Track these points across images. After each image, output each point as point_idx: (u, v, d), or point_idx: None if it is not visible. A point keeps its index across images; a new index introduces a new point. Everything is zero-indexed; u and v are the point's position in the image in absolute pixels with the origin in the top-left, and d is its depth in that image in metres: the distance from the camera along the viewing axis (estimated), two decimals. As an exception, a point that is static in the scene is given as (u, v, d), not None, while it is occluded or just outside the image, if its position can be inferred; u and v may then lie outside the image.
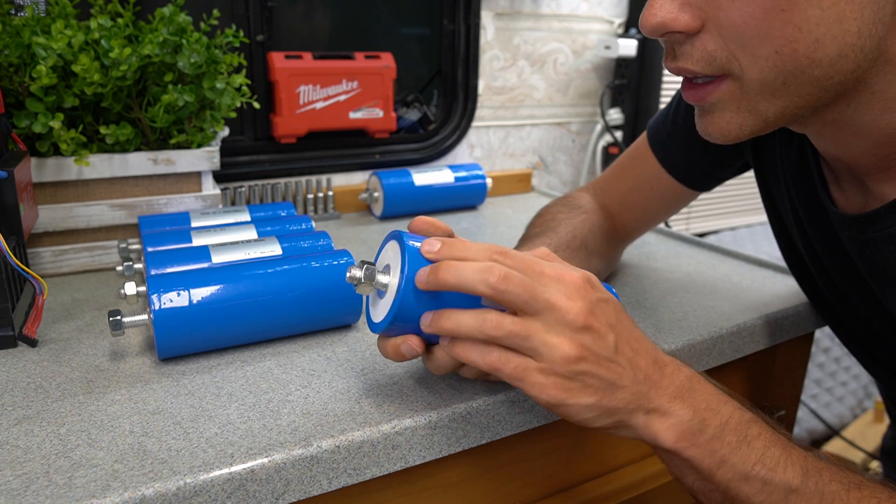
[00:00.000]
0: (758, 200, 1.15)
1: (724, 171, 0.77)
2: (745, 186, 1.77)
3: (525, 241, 0.74)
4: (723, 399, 0.49)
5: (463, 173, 1.18)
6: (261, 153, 1.14)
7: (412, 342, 0.50)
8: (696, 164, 0.75)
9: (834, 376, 2.07)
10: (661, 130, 0.77)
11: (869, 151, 0.52)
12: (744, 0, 0.44)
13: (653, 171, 0.78)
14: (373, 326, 0.51)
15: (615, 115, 1.43)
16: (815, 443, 1.87)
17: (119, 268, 0.70)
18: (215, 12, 0.85)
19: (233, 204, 1.06)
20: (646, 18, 0.48)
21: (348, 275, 0.49)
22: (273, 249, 0.70)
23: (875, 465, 1.73)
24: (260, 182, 1.11)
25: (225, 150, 1.06)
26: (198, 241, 0.73)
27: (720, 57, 0.47)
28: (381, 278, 0.49)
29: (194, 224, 0.80)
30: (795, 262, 0.74)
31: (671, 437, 0.47)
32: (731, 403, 0.49)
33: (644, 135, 0.80)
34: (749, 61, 0.46)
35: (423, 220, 0.52)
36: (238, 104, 0.87)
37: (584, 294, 0.46)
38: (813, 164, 0.62)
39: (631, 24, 1.43)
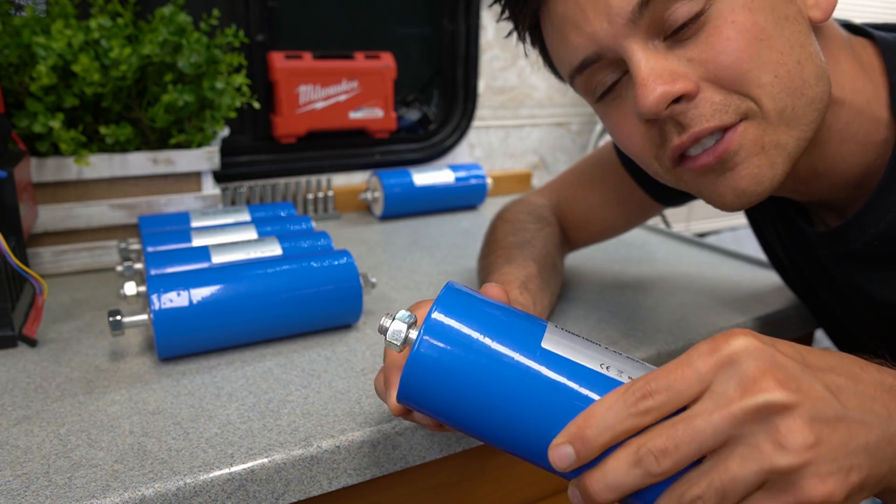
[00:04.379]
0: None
1: None
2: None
3: (500, 248, 0.69)
4: None
5: (463, 173, 1.18)
6: (261, 153, 1.14)
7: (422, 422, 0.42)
8: None
9: (834, 376, 2.07)
10: None
11: (841, 188, 0.55)
12: (725, 43, 0.45)
13: (625, 188, 0.75)
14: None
15: (615, 115, 1.43)
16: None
17: (119, 268, 0.70)
18: (215, 12, 0.85)
19: (233, 204, 1.06)
20: (644, 96, 0.46)
21: (380, 322, 0.40)
22: (273, 249, 0.70)
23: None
24: (260, 182, 1.11)
25: (225, 150, 1.06)
26: (198, 242, 0.73)
27: (732, 102, 0.46)
28: (413, 335, 0.39)
29: (194, 224, 0.80)
30: (790, 286, 0.76)
31: None
32: None
33: (611, 147, 0.77)
34: (759, 92, 0.46)
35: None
36: (238, 104, 0.87)
37: (762, 366, 0.32)
38: (788, 201, 0.63)
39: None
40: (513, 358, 0.36)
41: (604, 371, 0.36)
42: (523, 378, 0.36)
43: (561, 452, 0.34)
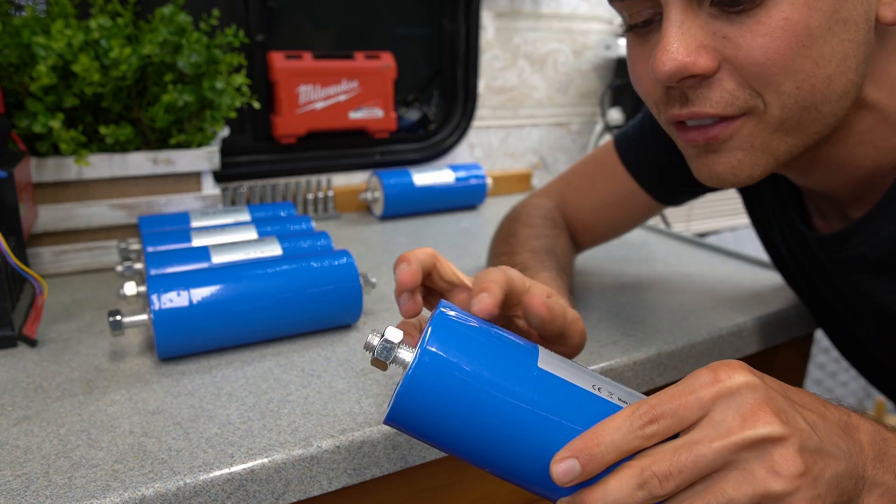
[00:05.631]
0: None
1: (702, 187, 0.73)
2: (745, 186, 1.76)
3: (526, 250, 0.68)
4: None
5: (463, 173, 1.18)
6: (261, 153, 1.14)
7: None
8: (674, 181, 0.73)
9: (834, 376, 2.08)
10: (636, 148, 0.75)
11: (844, 182, 0.54)
12: (766, 37, 0.43)
13: (626, 188, 0.75)
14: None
15: (615, 115, 1.43)
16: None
17: (119, 268, 0.70)
18: (215, 12, 0.85)
19: (233, 204, 1.06)
20: (661, 62, 0.44)
21: (367, 340, 0.39)
22: (273, 249, 0.70)
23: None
24: (260, 182, 1.11)
25: (225, 150, 1.06)
26: (198, 242, 0.73)
27: (742, 96, 0.46)
28: (403, 354, 0.38)
29: (194, 224, 0.80)
30: (791, 282, 0.75)
31: None
32: None
33: (612, 147, 0.77)
34: (773, 98, 0.45)
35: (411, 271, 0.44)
36: (238, 104, 0.87)
37: (759, 399, 0.35)
38: (788, 195, 0.63)
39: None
40: (510, 381, 0.36)
41: (596, 392, 0.37)
42: (520, 401, 0.36)
43: (565, 467, 0.35)
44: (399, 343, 0.38)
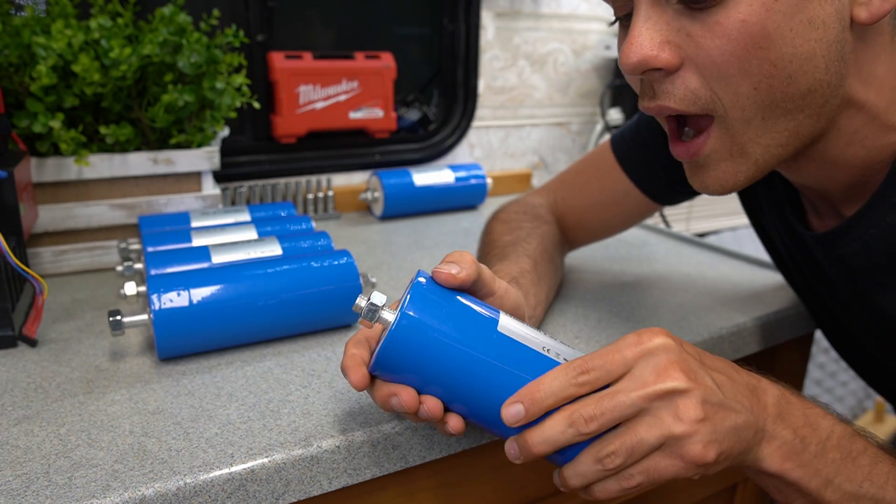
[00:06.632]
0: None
1: None
2: (745, 186, 1.76)
3: (496, 247, 0.70)
4: (819, 413, 0.46)
5: (463, 173, 1.18)
6: (261, 153, 1.14)
7: (404, 399, 0.44)
8: (669, 181, 0.73)
9: (834, 376, 2.08)
10: (632, 147, 0.75)
11: (837, 180, 0.55)
12: (723, 38, 0.45)
13: (621, 188, 0.76)
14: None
15: (615, 115, 1.43)
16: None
17: (119, 268, 0.70)
18: (215, 12, 0.85)
19: (233, 204, 1.06)
20: (626, 55, 0.47)
21: (356, 302, 0.45)
22: (273, 249, 0.70)
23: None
24: (260, 182, 1.11)
25: (225, 150, 1.06)
26: (198, 242, 0.73)
27: (703, 95, 0.47)
28: (386, 315, 0.44)
29: (194, 224, 0.80)
30: (790, 282, 0.76)
31: (777, 460, 0.44)
32: (830, 417, 0.46)
33: (608, 147, 0.77)
34: (731, 100, 0.47)
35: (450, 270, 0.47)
36: (238, 104, 0.87)
37: (672, 359, 0.42)
38: (784, 194, 0.64)
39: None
40: (472, 340, 0.43)
41: (545, 353, 0.45)
42: (480, 357, 0.43)
43: (513, 410, 0.42)
44: (383, 306, 0.44)
